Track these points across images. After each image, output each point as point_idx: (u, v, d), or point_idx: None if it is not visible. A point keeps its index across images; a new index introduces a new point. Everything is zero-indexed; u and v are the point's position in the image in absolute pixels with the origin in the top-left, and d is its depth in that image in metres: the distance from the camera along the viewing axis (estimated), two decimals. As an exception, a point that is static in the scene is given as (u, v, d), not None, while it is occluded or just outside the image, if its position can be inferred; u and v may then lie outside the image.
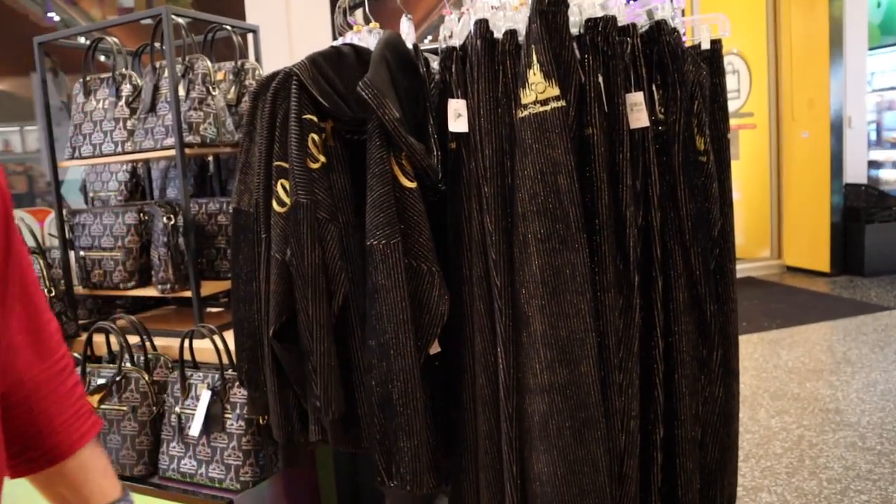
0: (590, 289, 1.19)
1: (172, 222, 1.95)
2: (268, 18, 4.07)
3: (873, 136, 6.90)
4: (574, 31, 1.22)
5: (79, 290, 2.19)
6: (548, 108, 1.17)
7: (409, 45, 1.39)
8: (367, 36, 1.57)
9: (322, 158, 1.29)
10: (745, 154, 6.66)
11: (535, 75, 1.15)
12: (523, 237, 1.19)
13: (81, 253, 2.16)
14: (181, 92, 1.95)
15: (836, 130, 6.07)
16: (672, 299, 1.29)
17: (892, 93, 6.89)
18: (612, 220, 1.23)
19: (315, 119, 1.29)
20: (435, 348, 1.30)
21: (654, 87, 1.30)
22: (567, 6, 1.21)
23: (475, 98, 1.21)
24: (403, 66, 1.30)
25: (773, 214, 6.68)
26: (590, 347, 1.19)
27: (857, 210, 6.01)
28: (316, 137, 1.29)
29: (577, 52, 1.22)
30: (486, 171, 1.21)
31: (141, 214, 2.07)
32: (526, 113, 1.18)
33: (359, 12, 1.51)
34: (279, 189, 1.35)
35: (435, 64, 1.39)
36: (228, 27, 2.13)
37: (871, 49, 6.37)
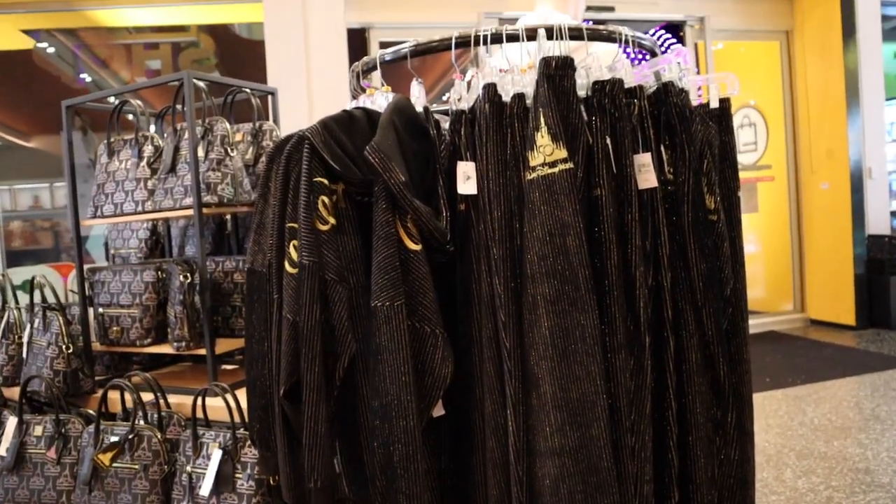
0: (600, 350, 1.18)
1: (189, 280, 1.97)
2: (288, 79, 4.18)
3: (895, 187, 6.85)
4: (581, 93, 1.25)
5: (96, 346, 2.21)
6: (556, 169, 1.19)
7: (420, 108, 1.42)
8: (379, 98, 1.61)
9: (332, 220, 1.31)
10: (764, 206, 6.64)
11: (542, 138, 1.17)
12: (532, 298, 1.19)
13: (100, 310, 2.19)
14: (200, 153, 2.00)
15: (857, 181, 6.04)
16: (685, 360, 1.28)
17: (912, 143, 6.87)
18: (621, 280, 1.22)
19: (326, 182, 1.31)
20: (438, 410, 1.29)
21: (662, 148, 1.31)
22: (574, 70, 1.24)
23: (484, 160, 1.23)
24: (412, 130, 1.33)
25: (795, 267, 6.60)
26: (601, 410, 1.17)
27: (881, 262, 5.93)
28: (326, 199, 1.31)
29: (584, 114, 1.24)
30: (495, 232, 1.22)
31: (159, 272, 2.10)
32: (534, 175, 1.20)
33: (375, 74, 1.55)
34: (291, 250, 1.37)
35: (447, 125, 1.43)
36: (248, 90, 2.19)
37: (888, 99, 6.38)
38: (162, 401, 1.93)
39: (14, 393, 2.17)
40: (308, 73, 4.12)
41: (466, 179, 1.26)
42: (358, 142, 1.38)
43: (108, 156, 2.23)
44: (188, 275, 1.98)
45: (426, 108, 1.43)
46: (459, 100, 1.33)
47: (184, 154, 2.03)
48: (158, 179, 2.09)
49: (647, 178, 1.22)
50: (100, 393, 1.98)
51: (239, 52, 5.69)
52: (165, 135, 2.13)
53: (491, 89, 1.23)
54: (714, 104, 1.47)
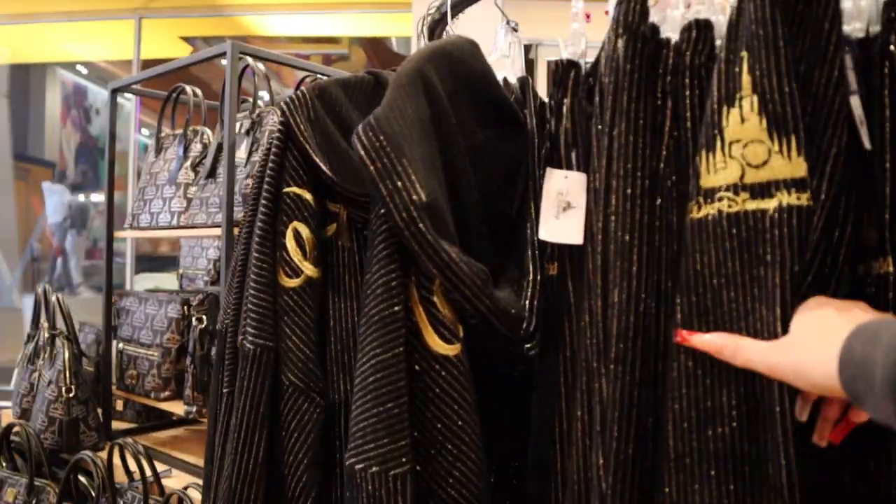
0: None
1: (203, 325, 1.44)
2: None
3: None
4: (853, 28, 0.53)
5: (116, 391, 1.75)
6: (770, 204, 0.48)
7: (507, 74, 0.77)
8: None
9: (309, 269, 0.69)
10: None
11: (743, 123, 0.47)
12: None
13: (120, 345, 1.73)
14: (241, 154, 1.48)
15: None
16: None
17: None
18: None
19: (308, 196, 0.70)
20: None
21: None
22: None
23: (604, 167, 0.55)
24: (472, 102, 0.67)
25: None
26: None
27: None
28: (304, 230, 0.69)
29: (852, 79, 0.53)
30: (614, 335, 0.53)
31: (185, 308, 1.60)
32: (711, 211, 0.50)
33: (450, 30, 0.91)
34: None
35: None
36: (319, 74, 1.64)
37: None
38: (157, 479, 1.40)
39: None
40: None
41: (564, 210, 0.59)
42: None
43: (156, 153, 1.78)
44: (203, 316, 1.45)
45: (523, 80, 0.77)
46: (579, 49, 0.66)
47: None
48: (198, 186, 1.60)
49: None
50: (107, 449, 1.49)
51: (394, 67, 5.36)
52: (217, 129, 1.64)
53: (635, 10, 0.54)
54: None
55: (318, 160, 0.68)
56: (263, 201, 0.69)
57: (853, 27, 0.56)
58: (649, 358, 0.53)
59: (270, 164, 0.69)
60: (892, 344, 0.41)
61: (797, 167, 0.48)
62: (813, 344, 0.46)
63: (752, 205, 0.47)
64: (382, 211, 0.56)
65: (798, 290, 0.45)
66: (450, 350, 0.57)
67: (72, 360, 1.65)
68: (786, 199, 0.48)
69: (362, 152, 0.55)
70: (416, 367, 0.57)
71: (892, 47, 0.53)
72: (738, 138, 0.50)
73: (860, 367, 0.42)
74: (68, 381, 1.63)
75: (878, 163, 0.54)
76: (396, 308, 0.57)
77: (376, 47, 5.34)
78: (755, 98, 0.48)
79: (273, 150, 0.69)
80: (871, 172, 0.54)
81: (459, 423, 0.57)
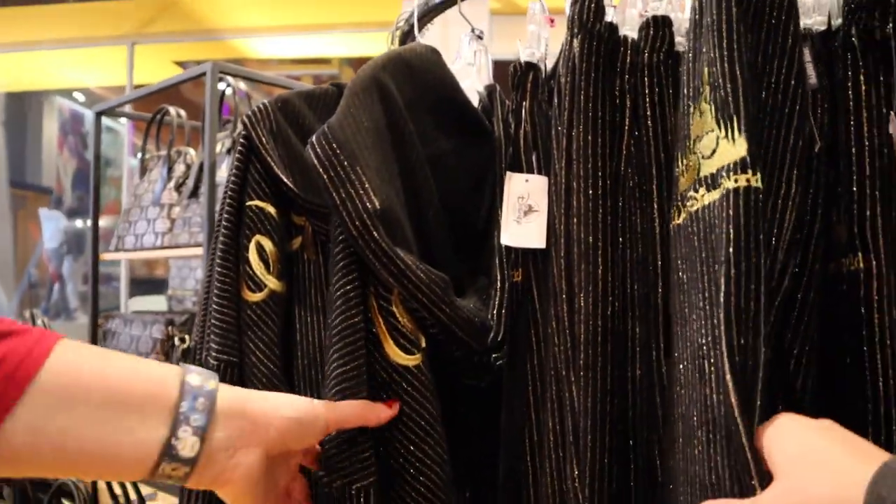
0: None
1: (186, 344, 1.42)
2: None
3: None
4: (814, 21, 0.52)
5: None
6: (717, 194, 0.46)
7: (475, 83, 0.76)
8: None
9: (272, 283, 0.67)
10: None
11: (702, 115, 0.46)
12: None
13: (106, 369, 1.70)
14: (222, 173, 1.47)
15: None
16: None
17: None
18: None
19: (270, 209, 0.68)
20: None
21: None
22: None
23: (564, 168, 0.53)
24: (434, 110, 0.66)
25: None
26: None
27: None
28: (267, 243, 0.67)
29: (811, 71, 0.51)
30: (582, 341, 0.51)
31: (169, 328, 1.58)
32: (684, 215, 0.49)
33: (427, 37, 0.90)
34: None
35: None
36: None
37: None
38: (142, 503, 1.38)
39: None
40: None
41: (525, 214, 0.57)
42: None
43: (141, 174, 1.77)
44: (186, 336, 1.43)
45: (490, 87, 0.76)
46: (539, 50, 0.64)
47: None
48: (181, 206, 1.59)
49: None
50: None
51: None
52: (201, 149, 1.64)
53: (591, 7, 0.53)
54: None
55: (280, 172, 0.67)
56: (226, 215, 0.67)
57: (815, 20, 0.54)
58: (620, 363, 0.52)
59: (232, 178, 0.68)
60: None
61: (739, 147, 0.44)
62: (815, 487, 0.37)
63: (707, 198, 0.44)
64: (338, 223, 0.55)
65: (758, 285, 0.42)
66: (409, 360, 0.55)
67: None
68: (729, 184, 0.44)
69: (315, 161, 0.54)
70: (378, 379, 0.55)
71: (853, 40, 0.52)
72: (698, 134, 0.48)
73: None
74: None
75: (844, 157, 0.52)
76: (356, 319, 0.55)
77: (367, 67, 5.36)
78: (708, 88, 0.46)
79: (235, 163, 0.68)
80: (838, 168, 0.53)
81: (422, 434, 0.55)
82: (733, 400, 0.39)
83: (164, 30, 4.65)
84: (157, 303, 4.19)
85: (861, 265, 0.51)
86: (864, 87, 0.53)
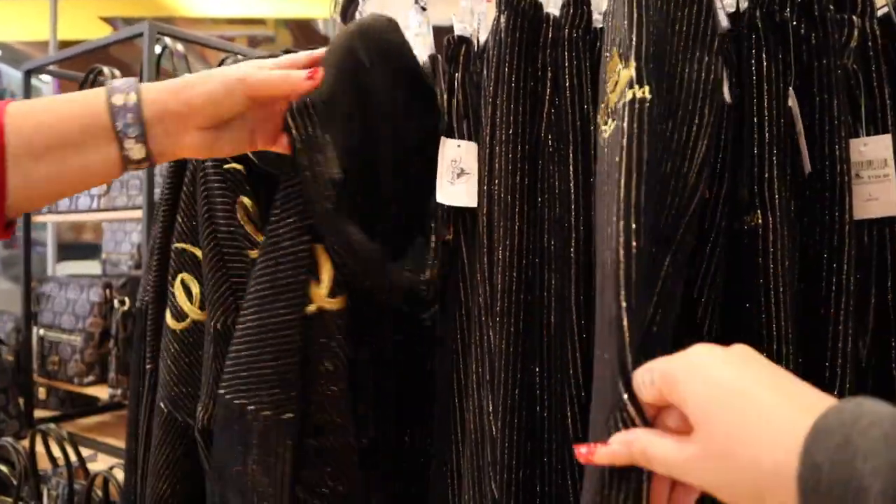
0: None
1: (125, 308, 1.43)
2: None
3: None
4: (719, 4, 0.59)
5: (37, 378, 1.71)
6: (618, 120, 0.52)
7: (420, 51, 0.80)
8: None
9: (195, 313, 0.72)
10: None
11: (613, 62, 0.52)
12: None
13: (41, 331, 1.69)
14: (160, 134, 1.46)
15: None
16: None
17: None
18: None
19: (242, 169, 0.72)
20: None
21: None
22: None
23: (489, 135, 0.59)
24: (395, 76, 0.70)
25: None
26: None
27: None
28: (249, 203, 0.71)
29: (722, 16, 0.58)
30: (500, 290, 0.57)
31: (107, 291, 1.58)
32: (610, 127, 0.54)
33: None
34: (177, 289, 0.78)
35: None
36: (241, 56, 1.63)
37: None
38: (82, 464, 1.39)
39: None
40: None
41: (458, 176, 0.63)
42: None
43: (73, 136, 1.74)
44: (125, 299, 1.44)
45: (433, 57, 0.80)
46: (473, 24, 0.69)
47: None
48: (117, 168, 1.58)
49: (878, 196, 0.54)
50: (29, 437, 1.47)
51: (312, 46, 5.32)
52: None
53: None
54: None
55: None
56: (211, 179, 0.71)
57: (724, 1, 0.61)
58: (534, 310, 0.58)
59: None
60: (891, 461, 0.28)
61: (631, 69, 0.47)
62: (742, 448, 0.33)
63: (612, 125, 0.48)
64: (289, 180, 0.59)
65: (652, 186, 0.44)
66: (332, 305, 0.61)
67: (-12, 349, 1.61)
68: (624, 100, 0.48)
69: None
70: (305, 322, 0.61)
71: (757, 21, 0.59)
72: (610, 75, 0.52)
73: (837, 496, 0.29)
74: (-15, 369, 1.60)
75: (748, 125, 0.59)
76: (295, 273, 0.60)
77: (303, 29, 5.27)
78: (615, 32, 0.51)
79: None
80: (743, 136, 0.60)
81: (338, 369, 0.62)
82: (622, 283, 0.42)
83: (90, -18, 4.44)
84: (85, 268, 4.07)
85: (759, 221, 0.58)
86: (765, 64, 0.60)
